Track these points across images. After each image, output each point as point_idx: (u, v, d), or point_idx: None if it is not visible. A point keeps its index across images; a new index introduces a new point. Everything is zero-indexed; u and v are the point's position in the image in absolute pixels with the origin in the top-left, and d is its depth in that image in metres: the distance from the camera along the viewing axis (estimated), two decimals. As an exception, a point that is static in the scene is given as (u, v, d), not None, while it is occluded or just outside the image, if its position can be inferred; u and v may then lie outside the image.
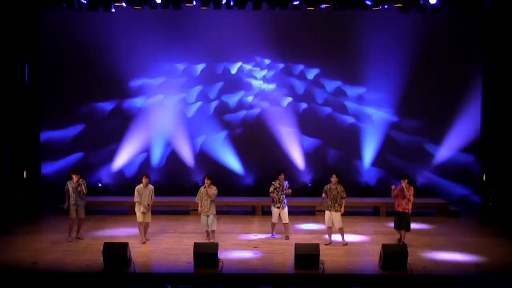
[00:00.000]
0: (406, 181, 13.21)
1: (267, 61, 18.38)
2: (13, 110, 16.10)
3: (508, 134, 15.69)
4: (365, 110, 18.33)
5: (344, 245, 13.39)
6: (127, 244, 11.86)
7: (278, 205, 13.89)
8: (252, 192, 18.15)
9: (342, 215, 13.50)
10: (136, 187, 13.67)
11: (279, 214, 13.95)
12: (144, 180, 13.63)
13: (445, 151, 18.15)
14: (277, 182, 13.90)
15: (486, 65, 16.43)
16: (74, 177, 13.73)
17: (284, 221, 14.00)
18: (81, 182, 13.71)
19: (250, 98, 18.44)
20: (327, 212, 13.52)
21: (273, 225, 14.15)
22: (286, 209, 13.98)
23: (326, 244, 13.28)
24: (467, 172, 18.00)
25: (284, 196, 13.91)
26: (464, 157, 18.05)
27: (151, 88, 18.37)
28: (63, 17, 17.38)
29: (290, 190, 13.90)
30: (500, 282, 11.32)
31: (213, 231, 13.54)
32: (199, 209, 13.49)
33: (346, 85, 18.35)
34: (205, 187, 13.50)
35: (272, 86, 18.39)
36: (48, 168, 18.05)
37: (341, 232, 13.52)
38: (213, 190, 13.49)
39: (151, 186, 13.75)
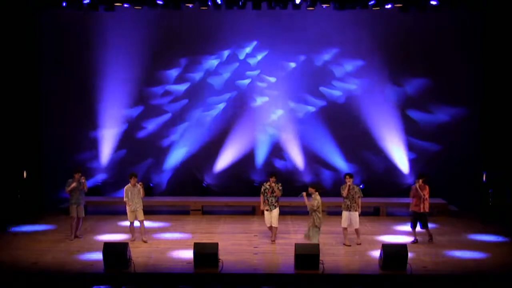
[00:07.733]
0: (420, 180, 13.37)
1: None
2: (12, 109, 16.11)
3: (508, 134, 15.70)
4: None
5: (358, 244, 13.41)
6: (127, 244, 11.87)
7: (267, 207, 13.62)
8: (253, 192, 18.09)
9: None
10: (125, 187, 13.70)
11: (271, 217, 13.62)
12: (133, 180, 13.63)
13: (445, 151, 18.14)
14: (267, 184, 13.71)
15: (486, 66, 16.43)
16: (76, 176, 13.75)
17: (272, 225, 13.67)
18: (83, 180, 13.75)
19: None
20: (345, 213, 13.45)
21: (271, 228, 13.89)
22: (275, 212, 13.59)
23: (347, 245, 13.29)
24: (467, 171, 18.00)
25: (273, 199, 13.61)
26: (464, 157, 18.04)
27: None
28: (63, 17, 17.38)
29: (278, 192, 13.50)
30: (500, 281, 11.32)
31: None
32: None
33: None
34: None
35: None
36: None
37: (358, 232, 13.57)
38: None
39: (139, 185, 13.71)
